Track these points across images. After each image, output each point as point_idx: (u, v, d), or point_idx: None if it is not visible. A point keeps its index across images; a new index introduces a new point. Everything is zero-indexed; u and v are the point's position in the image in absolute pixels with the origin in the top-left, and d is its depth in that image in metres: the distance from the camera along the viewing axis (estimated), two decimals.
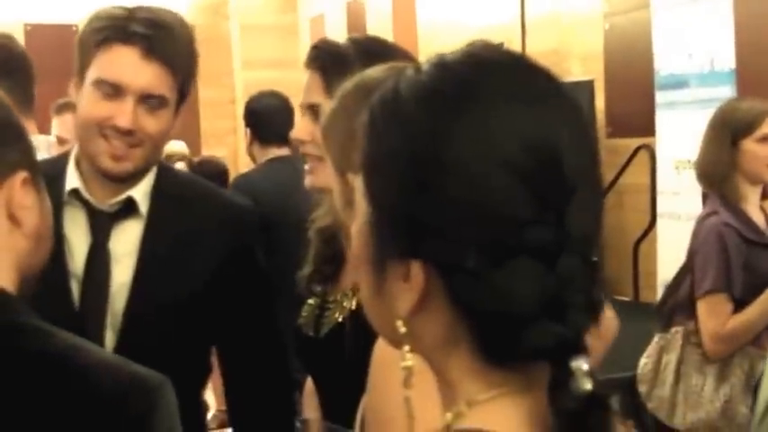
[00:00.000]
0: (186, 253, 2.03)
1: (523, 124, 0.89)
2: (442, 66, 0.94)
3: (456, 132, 0.89)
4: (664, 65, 5.44)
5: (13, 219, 1.30)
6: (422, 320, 0.92)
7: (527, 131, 0.88)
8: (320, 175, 1.96)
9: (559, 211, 0.87)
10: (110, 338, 1.95)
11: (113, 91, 1.93)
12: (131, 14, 1.96)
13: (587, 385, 0.83)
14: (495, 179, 0.87)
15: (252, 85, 9.34)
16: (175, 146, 6.14)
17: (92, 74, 1.94)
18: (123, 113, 1.92)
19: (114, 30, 1.93)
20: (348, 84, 1.75)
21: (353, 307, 1.91)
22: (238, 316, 2.04)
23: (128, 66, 1.93)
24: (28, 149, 1.36)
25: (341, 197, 1.71)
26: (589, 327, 0.87)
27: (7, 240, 1.30)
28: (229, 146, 8.82)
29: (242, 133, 8.32)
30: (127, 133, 1.94)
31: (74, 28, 9.81)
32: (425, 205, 0.89)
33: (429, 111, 0.91)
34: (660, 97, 5.45)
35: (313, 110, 2.02)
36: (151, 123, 1.96)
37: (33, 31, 8.99)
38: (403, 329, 0.93)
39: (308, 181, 2.00)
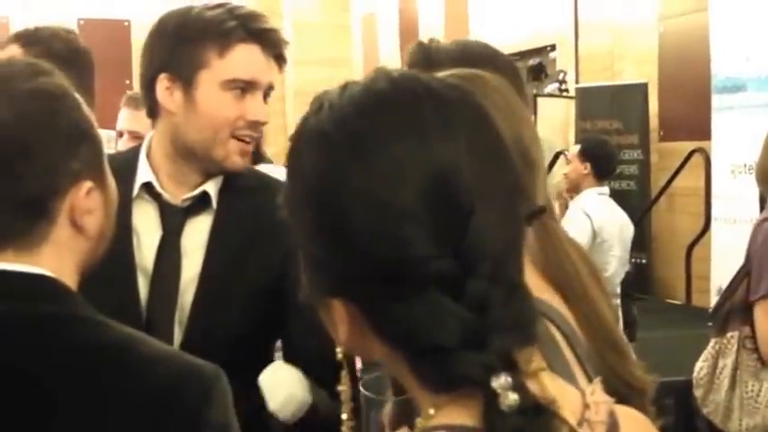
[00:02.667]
0: (252, 246, 2.02)
1: (408, 163, 0.88)
2: (336, 106, 0.93)
3: (342, 177, 0.89)
4: (721, 68, 5.41)
5: (77, 225, 1.31)
6: (366, 347, 0.95)
7: (413, 169, 0.88)
8: None
9: (456, 238, 0.86)
10: (177, 333, 1.95)
11: (245, 88, 1.96)
12: (234, 13, 1.98)
13: (514, 401, 0.84)
14: (383, 222, 0.87)
15: (302, 83, 9.40)
16: None
17: (218, 75, 1.95)
18: (259, 108, 1.96)
19: (232, 30, 1.95)
20: None
21: None
22: (300, 310, 2.02)
23: (258, 62, 1.96)
24: (95, 151, 1.36)
25: None
26: (517, 344, 0.86)
27: (71, 245, 1.31)
28: (279, 143, 8.81)
29: (291, 131, 8.33)
30: (258, 127, 1.98)
31: (125, 23, 9.96)
32: (328, 250, 0.91)
33: (318, 157, 0.92)
34: (717, 101, 5.41)
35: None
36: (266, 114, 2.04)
37: (86, 25, 9.12)
38: (340, 355, 0.99)
39: None
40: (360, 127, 0.91)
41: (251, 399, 1.96)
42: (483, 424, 0.86)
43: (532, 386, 0.87)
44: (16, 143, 1.26)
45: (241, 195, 2.03)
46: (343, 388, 1.02)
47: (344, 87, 0.95)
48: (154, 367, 1.25)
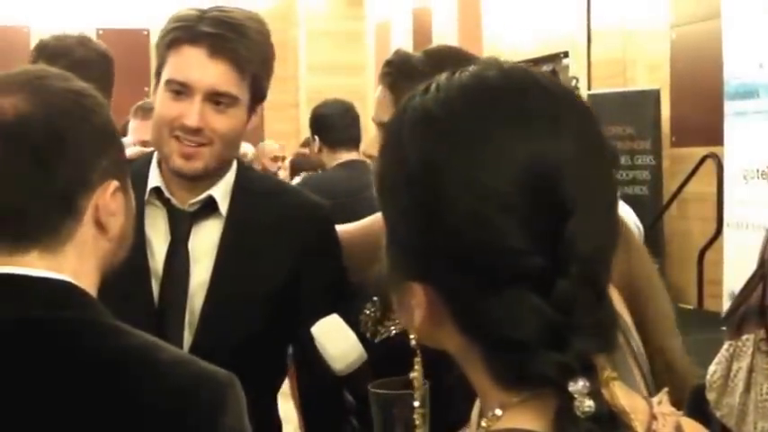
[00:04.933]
0: (264, 252, 2.01)
1: (515, 153, 0.86)
2: (444, 90, 0.92)
3: (445, 162, 0.88)
4: (733, 74, 5.43)
5: (100, 225, 1.31)
6: (439, 336, 0.93)
7: (518, 160, 0.86)
8: None
9: (553, 237, 0.85)
10: (187, 337, 1.96)
11: (182, 90, 1.93)
12: (202, 15, 1.95)
13: (590, 408, 0.83)
14: (482, 211, 0.86)
15: (316, 89, 9.45)
16: (243, 147, 6.20)
17: (164, 75, 1.95)
18: (190, 112, 1.91)
19: (183, 30, 1.93)
20: None
21: None
22: (313, 313, 1.95)
23: (195, 65, 1.91)
24: (120, 154, 1.38)
25: None
26: (596, 350, 0.86)
27: (93, 245, 1.32)
28: (291, 148, 8.89)
29: (303, 137, 8.41)
30: (195, 132, 1.93)
31: (144, 33, 10.08)
32: (420, 232, 0.89)
33: (423, 139, 0.90)
34: (729, 107, 5.44)
35: (383, 127, 1.99)
36: (220, 122, 1.93)
37: (105, 35, 9.16)
38: (413, 342, 0.97)
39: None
40: (467, 112, 0.89)
41: (261, 404, 1.96)
42: (553, 430, 0.84)
43: (605, 394, 0.86)
44: (51, 135, 1.26)
45: (252, 200, 2.02)
46: (416, 375, 1.01)
47: (454, 72, 0.94)
48: (168, 373, 1.25)
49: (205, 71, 1.91)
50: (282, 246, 2.02)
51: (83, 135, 1.29)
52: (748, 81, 5.32)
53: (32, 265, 1.26)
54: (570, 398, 0.83)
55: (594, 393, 0.83)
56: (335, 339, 1.85)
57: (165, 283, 1.96)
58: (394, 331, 1.96)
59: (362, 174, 3.84)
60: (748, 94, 5.32)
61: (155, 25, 10.03)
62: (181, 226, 1.99)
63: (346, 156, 4.39)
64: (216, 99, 1.91)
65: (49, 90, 1.30)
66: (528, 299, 0.84)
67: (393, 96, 1.94)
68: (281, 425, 2.19)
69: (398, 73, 1.93)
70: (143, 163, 2.03)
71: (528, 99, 0.90)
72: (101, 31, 9.43)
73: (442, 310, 0.90)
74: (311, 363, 1.99)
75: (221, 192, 2.00)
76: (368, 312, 2.04)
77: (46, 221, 1.27)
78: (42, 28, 8.64)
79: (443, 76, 0.94)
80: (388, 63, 1.97)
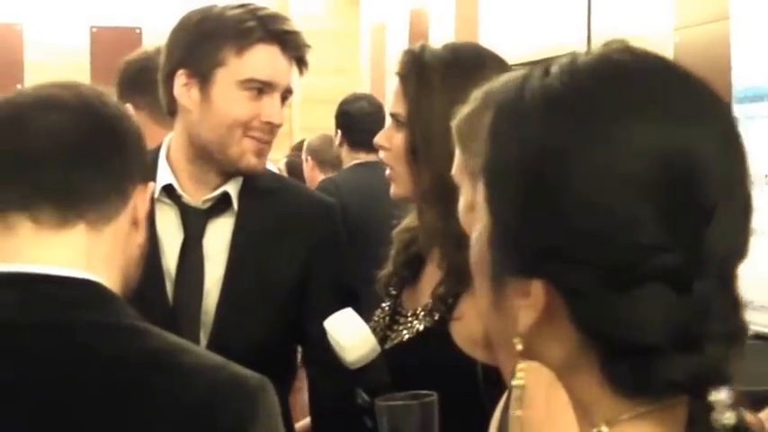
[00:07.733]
0: (275, 248, 2.02)
1: (654, 141, 0.82)
2: (570, 72, 0.87)
3: (577, 148, 0.83)
4: (742, 78, 5.38)
5: (136, 225, 1.35)
6: (545, 339, 0.87)
7: (658, 149, 0.82)
8: (398, 184, 1.98)
9: (695, 233, 0.81)
10: (201, 337, 1.95)
11: (262, 89, 1.96)
12: (255, 13, 1.98)
13: (730, 420, 0.78)
14: (618, 202, 0.81)
15: (309, 91, 9.45)
16: None
17: (234, 74, 1.95)
18: (275, 109, 1.96)
19: (252, 29, 1.96)
20: (486, 85, 1.68)
21: (422, 329, 1.94)
22: (322, 310, 1.96)
23: (276, 63, 1.98)
24: (147, 160, 1.46)
25: (464, 200, 1.66)
26: (730, 356, 0.82)
27: (126, 240, 1.34)
28: (285, 149, 8.88)
29: (297, 138, 8.42)
30: (274, 128, 1.98)
31: (137, 31, 10.17)
32: (544, 224, 0.84)
33: (549, 123, 0.85)
34: (738, 111, 5.41)
35: (395, 118, 2.00)
36: (283, 117, 2.02)
37: (98, 33, 9.34)
38: (519, 347, 0.89)
39: (391, 189, 2.02)
40: (601, 94, 0.85)
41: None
42: None
43: None
44: (117, 127, 1.34)
45: (261, 196, 2.03)
46: (519, 383, 0.94)
47: (574, 55, 0.90)
48: (194, 380, 1.23)
49: (283, 69, 2.00)
50: (293, 241, 2.03)
51: (132, 133, 1.37)
52: (758, 84, 5.28)
53: (74, 244, 1.27)
54: (707, 409, 0.78)
55: (735, 405, 0.79)
56: (348, 331, 1.85)
57: (180, 283, 1.96)
58: (407, 336, 1.95)
59: (376, 174, 4.06)
60: (758, 97, 5.28)
61: (147, 23, 10.19)
62: (195, 223, 1.98)
63: (364, 156, 4.44)
64: (285, 95, 2.01)
65: (95, 97, 1.37)
66: (664, 298, 0.80)
67: (402, 87, 1.96)
68: (292, 423, 2.22)
69: (411, 65, 1.95)
70: (148, 160, 2.05)
71: (666, 85, 0.86)
72: (94, 29, 9.47)
73: (557, 308, 0.85)
74: (321, 362, 2.01)
75: (234, 187, 2.01)
76: (377, 318, 2.05)
77: (99, 197, 1.31)
78: (35, 25, 8.89)
79: (564, 60, 0.89)
80: (407, 52, 1.98)
